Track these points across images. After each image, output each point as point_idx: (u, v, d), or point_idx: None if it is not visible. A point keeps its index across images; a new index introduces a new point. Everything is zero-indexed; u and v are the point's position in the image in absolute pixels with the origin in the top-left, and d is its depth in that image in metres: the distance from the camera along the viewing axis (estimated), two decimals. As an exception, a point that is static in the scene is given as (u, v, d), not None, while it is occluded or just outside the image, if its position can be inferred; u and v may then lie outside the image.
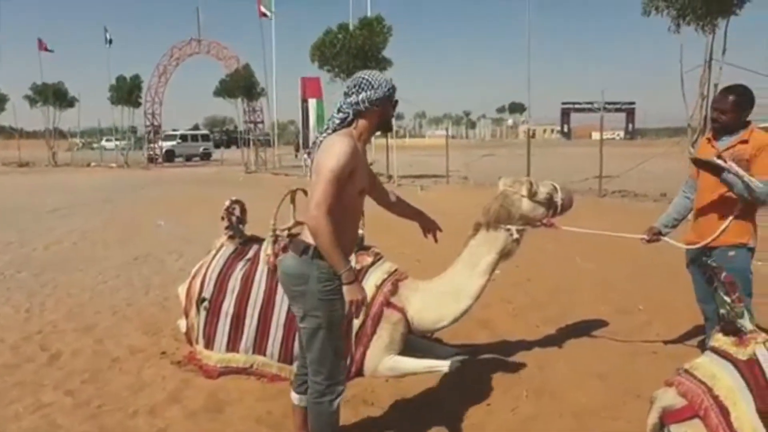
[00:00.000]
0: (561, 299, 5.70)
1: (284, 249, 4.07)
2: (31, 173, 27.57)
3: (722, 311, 2.39)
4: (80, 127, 35.23)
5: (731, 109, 3.39)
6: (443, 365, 4.01)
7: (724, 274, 2.36)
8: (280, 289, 3.98)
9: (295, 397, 2.98)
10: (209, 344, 4.09)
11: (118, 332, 4.92)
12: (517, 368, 4.08)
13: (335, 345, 2.64)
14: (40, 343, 4.64)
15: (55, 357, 4.38)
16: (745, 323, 2.32)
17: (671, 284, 5.57)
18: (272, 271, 4.02)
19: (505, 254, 3.80)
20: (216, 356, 4.05)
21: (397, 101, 2.71)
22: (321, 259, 2.50)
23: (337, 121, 2.59)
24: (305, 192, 4.37)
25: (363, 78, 2.60)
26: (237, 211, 4.40)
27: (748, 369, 2.23)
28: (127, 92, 29.30)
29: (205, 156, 37.01)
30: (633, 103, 77.96)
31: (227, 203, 4.33)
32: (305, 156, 2.76)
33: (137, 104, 30.43)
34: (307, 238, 2.58)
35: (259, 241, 4.32)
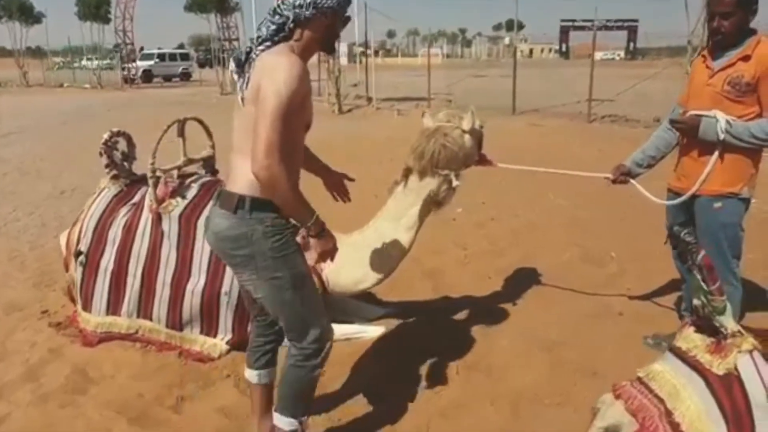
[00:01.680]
0: (523, 244, 5.01)
1: (172, 193, 3.35)
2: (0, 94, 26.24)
3: (696, 302, 1.69)
4: (49, 45, 33.17)
5: (732, 11, 2.54)
6: (365, 331, 3.40)
7: (701, 254, 1.63)
8: (165, 242, 3.29)
9: (252, 374, 2.40)
10: (87, 305, 3.42)
11: (4, 282, 4.25)
12: (453, 334, 3.43)
13: (311, 301, 2.16)
14: None
15: None
16: (726, 322, 1.63)
17: (652, 229, 4.81)
18: (156, 220, 3.30)
19: (437, 203, 3.07)
20: (95, 320, 3.39)
21: (348, 17, 2.14)
22: (262, 211, 2.00)
23: (273, 28, 2.01)
24: (200, 122, 3.65)
25: None
26: (121, 145, 3.61)
27: (725, 388, 1.57)
28: (94, 6, 27.40)
29: (185, 76, 35.45)
30: (635, 20, 74.75)
31: (106, 135, 3.53)
32: (233, 74, 2.06)
33: (107, 20, 28.61)
34: (235, 186, 2.04)
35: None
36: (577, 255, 4.68)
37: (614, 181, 3.07)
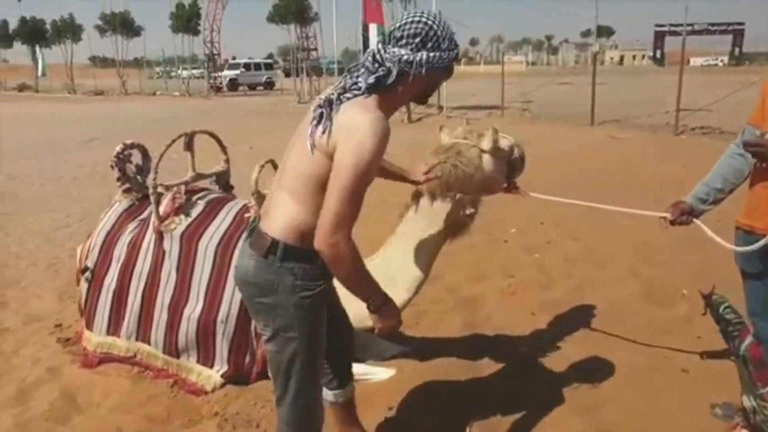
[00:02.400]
0: (578, 274, 4.46)
1: (177, 210, 3.15)
2: (101, 101, 28.04)
3: (746, 401, 1.23)
4: (146, 56, 35.20)
5: None
6: (372, 374, 3.03)
7: (747, 342, 1.18)
8: (166, 262, 3.08)
9: (327, 394, 2.26)
10: (90, 324, 3.28)
11: (34, 291, 4.24)
12: (474, 385, 2.99)
13: (312, 379, 1.96)
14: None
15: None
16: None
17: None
18: (158, 238, 3.10)
19: (453, 233, 2.67)
20: (96, 339, 3.24)
21: (452, 70, 1.82)
22: (295, 261, 1.77)
23: (372, 80, 1.71)
24: (212, 135, 3.43)
25: (430, 27, 1.71)
26: (135, 158, 3.46)
27: None
28: (186, 20, 28.74)
29: (269, 85, 36.52)
30: (742, 23, 69.64)
31: (118, 148, 3.38)
32: (313, 112, 1.74)
33: (197, 32, 29.94)
34: (271, 227, 1.80)
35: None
36: (639, 291, 4.09)
37: (673, 222, 2.51)
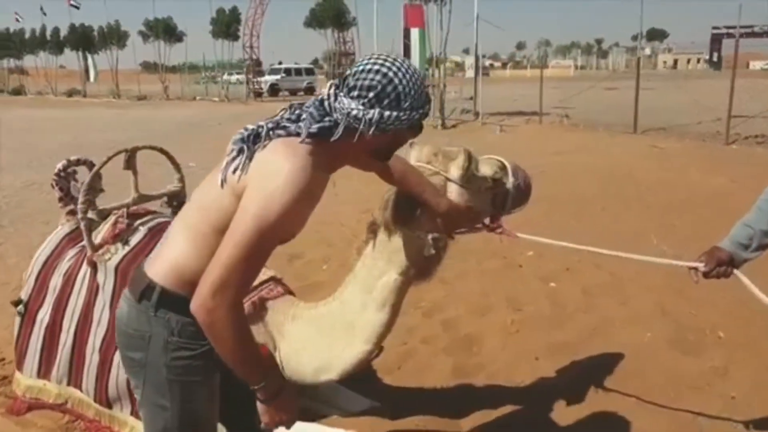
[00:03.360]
0: (596, 309, 3.86)
1: (115, 237, 2.75)
2: (141, 106, 28.51)
3: None
4: (187, 61, 35.75)
5: None
6: (328, 437, 2.55)
7: None
8: (99, 298, 2.67)
9: None
10: (20, 364, 2.89)
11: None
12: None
13: None
14: None
15: None
16: None
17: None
18: (93, 270, 2.70)
19: (417, 274, 2.16)
20: (25, 382, 2.84)
21: (420, 127, 1.51)
22: (173, 311, 1.48)
23: (313, 130, 1.39)
24: (163, 151, 3.03)
25: (389, 81, 1.39)
26: (90, 175, 3.07)
27: None
28: (226, 25, 29.00)
29: (309, 90, 36.51)
30: (806, 25, 66.02)
31: (60, 165, 3.01)
32: (232, 144, 1.46)
33: (237, 37, 30.21)
34: (152, 267, 1.53)
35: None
36: (665, 332, 3.47)
37: (707, 275, 1.94)
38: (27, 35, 41.14)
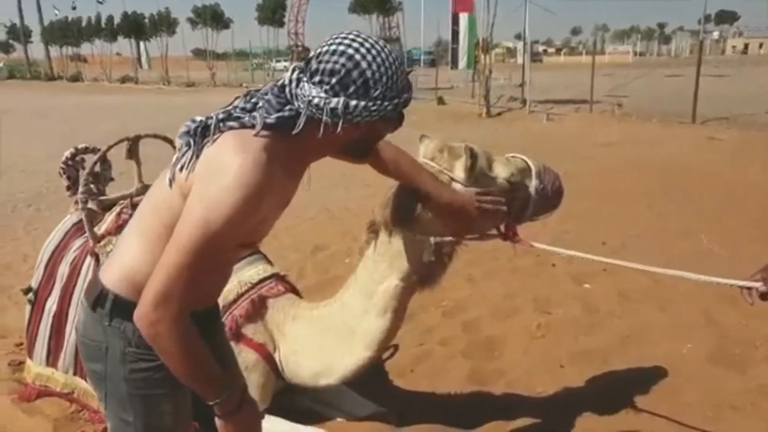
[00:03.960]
0: (631, 315, 3.59)
1: (119, 228, 2.69)
2: (189, 93, 29.04)
3: None
4: (234, 48, 36.19)
5: None
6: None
7: None
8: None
9: None
10: (31, 351, 2.89)
11: (18, 300, 3.96)
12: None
13: None
14: None
15: None
16: None
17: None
18: (95, 262, 2.65)
19: (420, 281, 2.01)
20: (35, 369, 2.84)
21: (402, 117, 1.34)
22: (127, 320, 1.32)
23: (271, 121, 1.23)
24: (167, 140, 2.93)
25: (356, 64, 1.22)
26: (90, 165, 3.02)
27: None
28: (271, 11, 29.14)
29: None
30: None
31: (68, 153, 2.97)
32: (178, 139, 1.31)
33: (282, 24, 30.33)
34: (105, 273, 1.41)
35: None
36: (708, 344, 3.17)
37: (765, 297, 1.68)
38: (84, 24, 42.48)
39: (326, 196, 6.26)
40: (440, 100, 18.83)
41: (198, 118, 1.27)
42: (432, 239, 1.87)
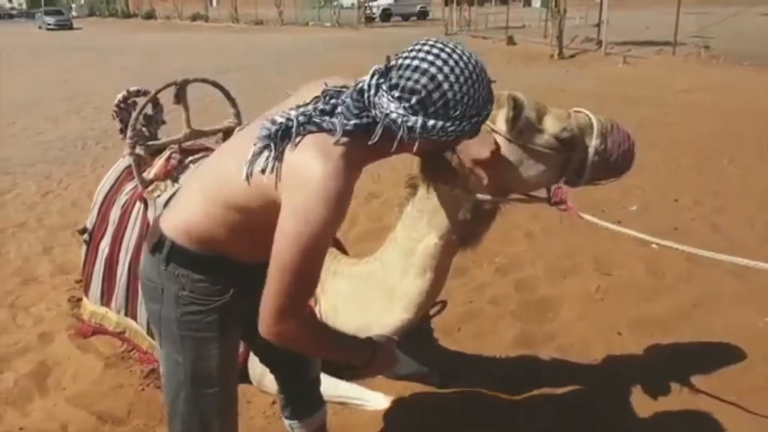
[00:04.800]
0: (704, 280, 3.33)
1: (167, 173, 2.68)
2: (258, 31, 29.03)
3: None
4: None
5: None
6: (365, 401, 2.40)
7: None
8: (150, 234, 2.63)
9: (287, 424, 1.94)
10: (87, 290, 2.97)
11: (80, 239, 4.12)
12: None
13: (208, 420, 1.55)
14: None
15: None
16: None
17: None
18: (144, 207, 2.66)
19: (460, 239, 1.88)
20: (90, 307, 2.93)
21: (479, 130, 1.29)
22: (182, 266, 1.42)
23: (350, 128, 1.22)
24: (216, 84, 2.85)
25: (438, 85, 1.16)
26: (143, 108, 3.00)
27: None
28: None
29: (422, 15, 35.31)
30: None
31: (120, 96, 2.95)
32: (259, 141, 1.27)
33: (350, -41, 29.42)
34: (165, 219, 1.47)
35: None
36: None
37: None
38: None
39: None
40: (510, 40, 17.98)
41: (279, 120, 1.24)
42: (470, 196, 1.72)
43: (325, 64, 13.54)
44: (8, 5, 59.52)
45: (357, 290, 2.22)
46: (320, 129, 1.23)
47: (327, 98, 1.27)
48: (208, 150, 2.87)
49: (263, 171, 1.23)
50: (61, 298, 3.28)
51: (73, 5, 52.72)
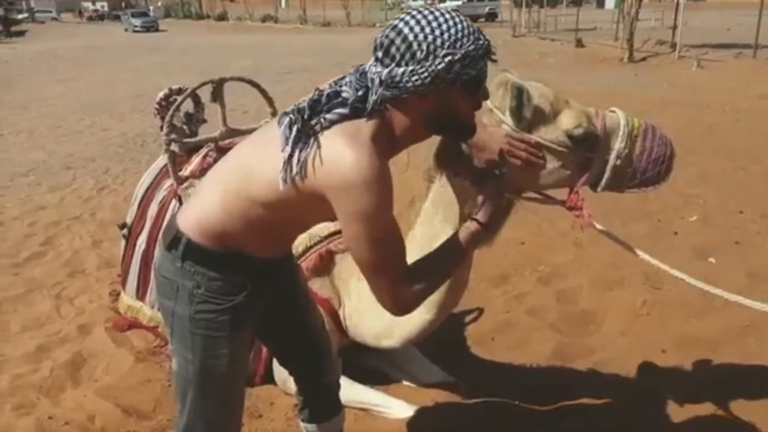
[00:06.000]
0: (756, 297, 3.01)
1: (202, 170, 2.74)
2: (325, 32, 29.51)
3: None
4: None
5: None
6: (387, 408, 2.36)
7: None
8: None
9: (303, 428, 1.93)
10: (124, 283, 3.09)
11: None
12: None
13: (213, 419, 1.56)
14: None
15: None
16: None
17: None
18: (179, 203, 2.71)
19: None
20: (127, 301, 3.04)
21: (479, 82, 1.28)
22: (198, 264, 1.42)
23: (352, 99, 1.27)
24: (253, 83, 2.86)
25: (400, 33, 1.23)
26: (178, 105, 3.06)
27: None
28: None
29: (491, 17, 34.85)
30: None
31: (162, 94, 3.02)
32: (285, 136, 1.31)
33: (419, -40, 29.38)
34: (182, 216, 1.47)
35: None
36: None
37: None
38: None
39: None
40: (579, 43, 17.49)
41: (293, 116, 1.28)
42: (472, 188, 1.63)
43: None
44: (92, 7, 62.59)
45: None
46: (339, 115, 1.27)
47: (332, 85, 1.33)
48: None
49: (298, 174, 1.26)
50: (104, 290, 3.38)
51: (151, 7, 55.03)
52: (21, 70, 16.10)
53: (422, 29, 1.19)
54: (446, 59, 1.19)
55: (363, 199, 1.22)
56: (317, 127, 1.27)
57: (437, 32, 1.19)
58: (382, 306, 1.38)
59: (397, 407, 2.32)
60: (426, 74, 1.19)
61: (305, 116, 1.28)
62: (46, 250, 3.99)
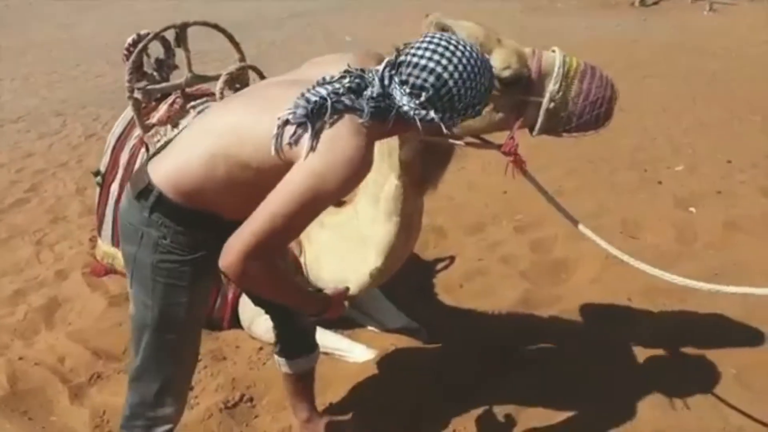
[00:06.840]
0: (735, 250, 3.06)
1: (168, 118, 2.71)
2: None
3: None
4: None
5: None
6: (349, 352, 2.41)
7: None
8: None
9: (276, 360, 2.01)
10: (99, 230, 3.11)
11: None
12: (477, 398, 2.17)
13: (165, 363, 1.60)
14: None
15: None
16: None
17: None
18: (147, 151, 2.71)
19: (414, 181, 1.81)
20: (102, 248, 3.07)
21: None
22: (167, 217, 1.43)
23: (372, 110, 1.30)
24: (218, 28, 2.79)
25: (444, 83, 1.26)
26: (139, 51, 3.00)
27: None
28: None
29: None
30: None
31: (130, 39, 2.95)
32: (299, 118, 1.30)
33: None
34: (158, 165, 1.46)
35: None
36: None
37: None
38: None
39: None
40: (589, -15, 16.81)
41: (312, 98, 1.28)
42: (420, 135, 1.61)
43: (391, 8, 13.17)
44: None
45: (336, 240, 2.20)
46: (346, 108, 1.29)
47: (353, 77, 1.32)
48: (212, 95, 2.85)
49: (290, 145, 1.28)
50: (84, 237, 3.43)
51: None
52: (22, 14, 15.82)
53: (464, 82, 1.26)
54: (476, 108, 1.33)
55: (339, 170, 1.26)
56: (330, 116, 1.29)
57: (475, 86, 1.28)
58: (228, 244, 1.32)
59: (359, 352, 2.37)
60: (460, 118, 1.33)
61: (322, 106, 1.29)
62: (30, 196, 4.03)
